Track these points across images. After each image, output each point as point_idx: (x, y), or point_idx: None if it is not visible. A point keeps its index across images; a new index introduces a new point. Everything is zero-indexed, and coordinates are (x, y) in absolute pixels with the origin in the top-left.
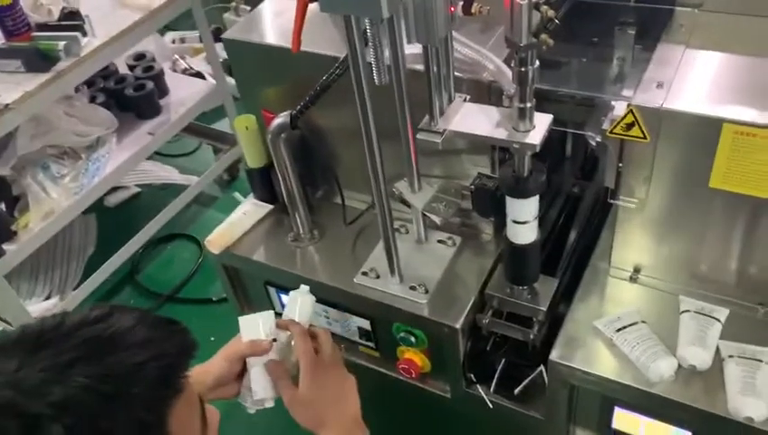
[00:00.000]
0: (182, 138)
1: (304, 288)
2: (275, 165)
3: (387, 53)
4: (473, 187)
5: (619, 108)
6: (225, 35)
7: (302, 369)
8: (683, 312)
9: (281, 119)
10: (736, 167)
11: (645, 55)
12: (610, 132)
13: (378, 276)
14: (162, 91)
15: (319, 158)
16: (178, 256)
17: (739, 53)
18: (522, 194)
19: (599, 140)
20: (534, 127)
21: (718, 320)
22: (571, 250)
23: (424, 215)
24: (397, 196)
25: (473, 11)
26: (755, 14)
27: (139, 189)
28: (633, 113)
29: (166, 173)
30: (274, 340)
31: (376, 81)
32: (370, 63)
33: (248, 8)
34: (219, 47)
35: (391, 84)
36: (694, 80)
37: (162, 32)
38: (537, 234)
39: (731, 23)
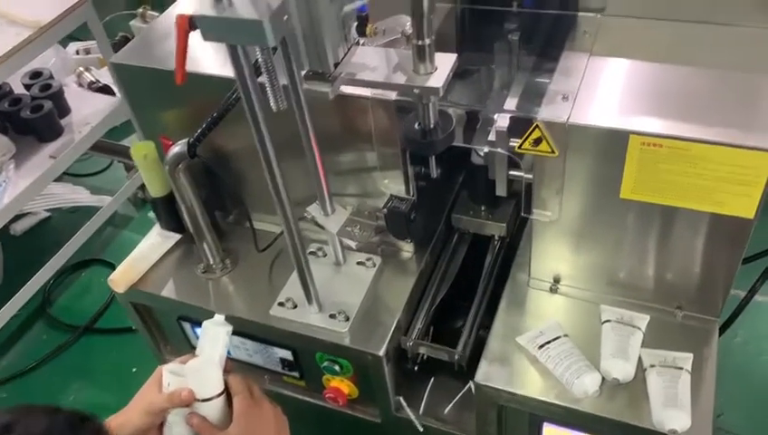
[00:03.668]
0: (92, 155)
1: (219, 318)
2: (176, 196)
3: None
4: (385, 210)
5: (502, 120)
6: (112, 59)
7: (236, 411)
8: (604, 322)
9: (177, 148)
10: (645, 177)
11: (549, 65)
12: (519, 148)
13: (295, 306)
14: (63, 109)
15: (225, 181)
16: (94, 283)
17: (643, 58)
18: (429, 149)
19: (485, 151)
20: (436, 69)
21: (639, 328)
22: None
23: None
24: (309, 220)
25: (367, 32)
26: (657, 17)
27: (48, 214)
28: (540, 129)
29: (76, 195)
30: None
31: (273, 107)
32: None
33: (156, 14)
34: None
35: (291, 108)
36: (599, 90)
37: (65, 42)
38: None
39: (634, 27)
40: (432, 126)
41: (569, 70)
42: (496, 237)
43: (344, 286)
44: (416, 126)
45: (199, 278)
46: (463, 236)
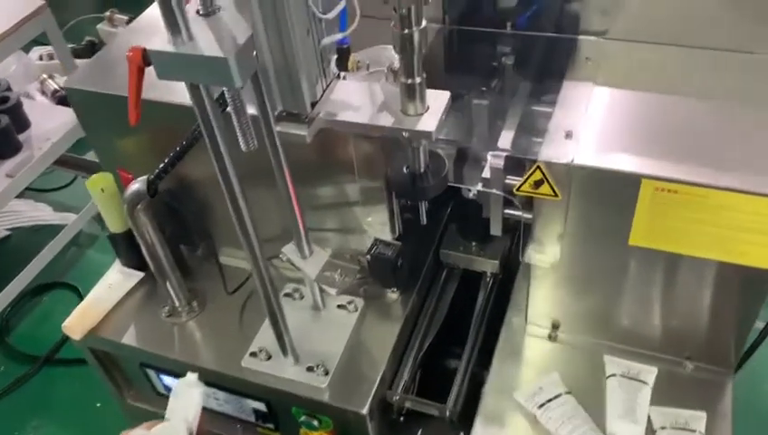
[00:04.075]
0: (55, 169)
1: (191, 378)
2: (136, 236)
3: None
4: (369, 257)
5: (496, 160)
6: (65, 84)
7: None
8: (609, 376)
9: (136, 185)
10: (657, 224)
11: (548, 95)
12: (518, 190)
13: (269, 357)
14: (21, 124)
15: (190, 214)
16: (56, 308)
17: (651, 89)
18: (419, 196)
19: (477, 190)
20: (428, 108)
21: (646, 383)
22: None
23: None
24: (285, 262)
25: (349, 67)
26: (663, 41)
27: (7, 232)
28: (541, 170)
29: (37, 213)
30: None
31: (243, 148)
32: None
33: (125, 18)
34: None
35: (263, 147)
36: (605, 125)
37: (28, 47)
38: None
39: (639, 52)
40: (422, 170)
41: (571, 102)
42: (489, 274)
43: (323, 334)
44: (404, 169)
45: (164, 323)
46: (452, 272)
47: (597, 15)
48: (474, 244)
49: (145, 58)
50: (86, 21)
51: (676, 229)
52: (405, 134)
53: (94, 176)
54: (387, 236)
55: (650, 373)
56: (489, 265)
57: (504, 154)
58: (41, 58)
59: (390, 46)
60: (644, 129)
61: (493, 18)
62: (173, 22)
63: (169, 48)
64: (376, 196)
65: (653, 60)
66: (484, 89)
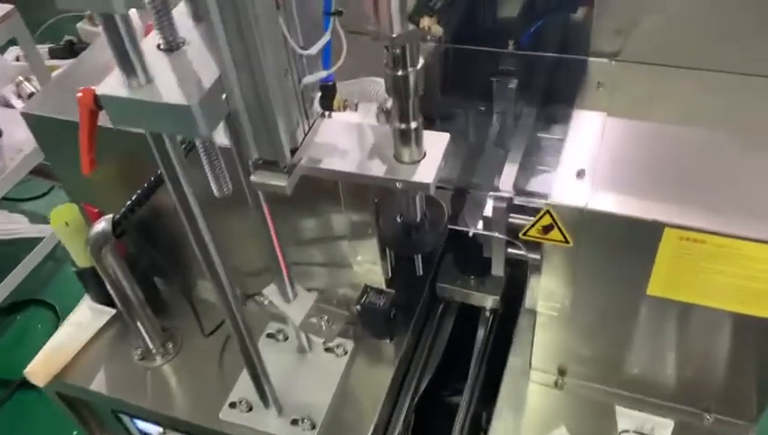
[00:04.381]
0: (32, 178)
1: None
2: (102, 277)
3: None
4: (359, 307)
5: (498, 202)
6: (24, 109)
7: None
8: (621, 432)
9: (101, 225)
10: (680, 275)
11: (556, 125)
12: (524, 235)
13: (250, 408)
14: None
15: (163, 245)
16: (31, 328)
17: (669, 119)
18: (414, 250)
19: (477, 230)
20: (425, 154)
21: None
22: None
23: None
24: (266, 306)
25: (335, 106)
26: (680, 65)
27: None
28: (551, 215)
29: (13, 225)
30: None
31: (216, 194)
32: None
33: None
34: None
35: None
36: (621, 163)
37: (4, 47)
38: None
39: (654, 77)
40: (418, 219)
41: (582, 135)
42: (489, 309)
43: (310, 381)
44: (397, 218)
45: (136, 367)
46: (449, 306)
47: (609, 35)
48: (472, 277)
49: (97, 101)
50: (65, 19)
51: (702, 281)
52: (399, 185)
53: (58, 208)
54: (378, 275)
55: (666, 428)
56: (489, 301)
57: (508, 195)
58: (17, 59)
59: (381, 80)
60: (664, 166)
61: (494, 36)
62: (126, 60)
63: (122, 92)
64: (365, 230)
65: (672, 85)
66: (482, 109)
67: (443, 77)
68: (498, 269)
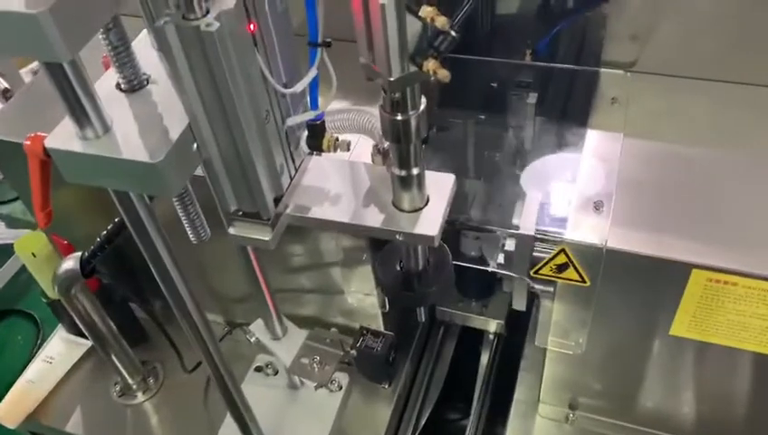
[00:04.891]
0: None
1: None
2: (72, 315)
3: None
4: (354, 351)
5: (511, 243)
6: None
7: None
8: None
9: (69, 263)
10: (707, 316)
11: (567, 148)
12: (535, 274)
13: None
14: None
15: (139, 272)
16: (8, 341)
17: (692, 141)
18: (417, 302)
19: (497, 270)
20: (428, 201)
21: None
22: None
23: None
24: (252, 343)
25: (324, 146)
26: (701, 76)
27: None
28: (566, 253)
29: None
30: None
31: (194, 240)
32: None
33: None
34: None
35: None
36: (640, 194)
37: None
38: None
39: (673, 90)
40: (420, 267)
41: (598, 160)
42: (492, 333)
43: (302, 420)
44: (397, 266)
45: (115, 404)
46: (450, 328)
47: (624, 43)
48: (473, 300)
49: (48, 151)
50: None
51: (731, 323)
52: (399, 237)
53: (24, 237)
54: (374, 306)
55: None
56: (493, 325)
57: (531, 234)
58: None
59: (375, 111)
60: (688, 196)
61: (505, 45)
62: (76, 107)
63: (75, 147)
64: (358, 257)
65: (693, 101)
66: (480, 118)
67: (443, 92)
68: (520, 304)
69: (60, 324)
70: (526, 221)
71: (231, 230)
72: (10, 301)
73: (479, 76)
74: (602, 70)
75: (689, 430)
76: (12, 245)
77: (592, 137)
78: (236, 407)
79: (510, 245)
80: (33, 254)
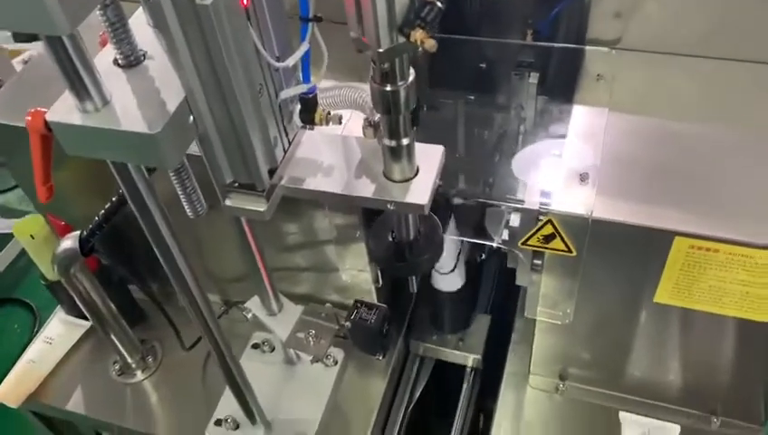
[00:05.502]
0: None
1: None
2: (72, 295)
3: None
4: (349, 323)
5: (515, 218)
6: None
7: None
8: None
9: (68, 243)
10: (689, 282)
11: (553, 123)
12: (523, 244)
13: (237, 426)
14: None
15: (138, 251)
16: (7, 329)
17: (677, 116)
18: (408, 271)
19: (500, 245)
20: (417, 172)
21: None
22: None
23: None
24: (249, 319)
25: (316, 120)
26: (686, 52)
27: None
28: (554, 224)
29: None
30: None
31: (190, 215)
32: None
33: None
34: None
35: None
36: (625, 166)
37: None
38: (463, 279)
39: (659, 66)
40: (411, 237)
41: (584, 134)
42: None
43: (299, 395)
44: (388, 237)
45: (115, 383)
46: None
47: (608, 20)
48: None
49: (48, 125)
50: None
51: (713, 289)
52: (390, 206)
53: (22, 220)
54: (367, 282)
55: (672, 432)
56: (470, 360)
57: (536, 208)
58: None
59: (366, 87)
60: (671, 167)
61: (502, 25)
62: (77, 82)
63: (75, 120)
64: (351, 233)
65: (678, 76)
66: (471, 99)
67: (434, 70)
68: (524, 280)
69: (59, 306)
70: (531, 196)
71: (227, 202)
72: (7, 289)
73: (477, 57)
74: (587, 47)
75: (675, 396)
76: (8, 235)
77: (578, 112)
78: (235, 381)
79: (515, 220)
80: (31, 236)
